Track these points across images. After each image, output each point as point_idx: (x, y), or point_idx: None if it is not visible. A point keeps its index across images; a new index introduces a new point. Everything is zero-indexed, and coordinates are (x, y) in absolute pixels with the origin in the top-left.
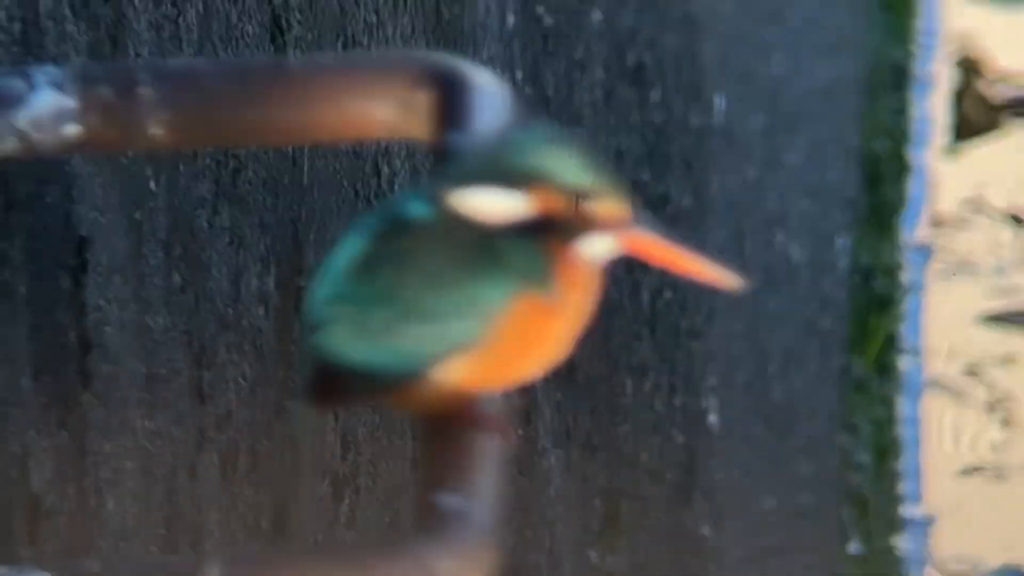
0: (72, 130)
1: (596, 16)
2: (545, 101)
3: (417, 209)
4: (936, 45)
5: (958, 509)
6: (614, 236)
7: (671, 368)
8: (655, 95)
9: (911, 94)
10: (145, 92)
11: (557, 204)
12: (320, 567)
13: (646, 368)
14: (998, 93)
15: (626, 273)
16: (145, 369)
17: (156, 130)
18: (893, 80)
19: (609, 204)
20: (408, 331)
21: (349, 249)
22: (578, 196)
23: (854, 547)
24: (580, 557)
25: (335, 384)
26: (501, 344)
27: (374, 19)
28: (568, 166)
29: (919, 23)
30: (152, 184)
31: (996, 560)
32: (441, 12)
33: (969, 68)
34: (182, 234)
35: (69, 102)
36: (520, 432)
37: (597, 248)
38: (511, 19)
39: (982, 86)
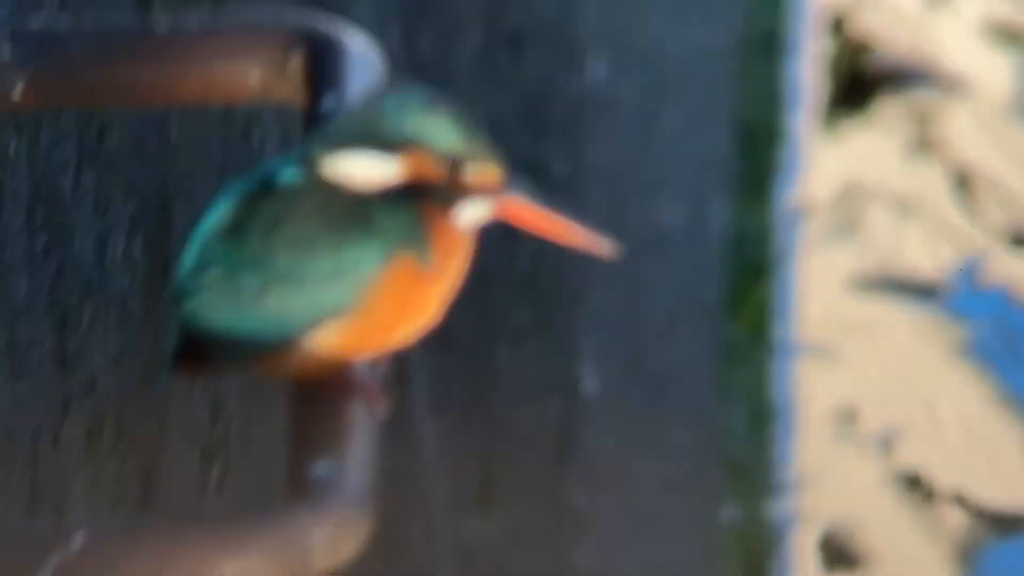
0: None
1: None
2: (420, 64)
3: (288, 174)
4: (809, 10)
5: (830, 473)
6: (488, 202)
7: (547, 334)
8: (531, 59)
9: (784, 60)
10: (3, 52)
11: (430, 169)
12: (188, 537)
13: (522, 334)
14: (873, 63)
15: (503, 239)
16: (7, 336)
17: (16, 91)
18: (766, 45)
19: (483, 169)
20: (279, 297)
21: (217, 214)
22: (451, 161)
23: (729, 513)
24: (455, 525)
25: (204, 351)
26: (374, 309)
27: None
28: (441, 131)
29: None
30: (12, 146)
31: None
32: None
33: (843, 37)
34: (45, 198)
35: None
36: (393, 399)
37: (471, 214)
38: None
39: (857, 55)
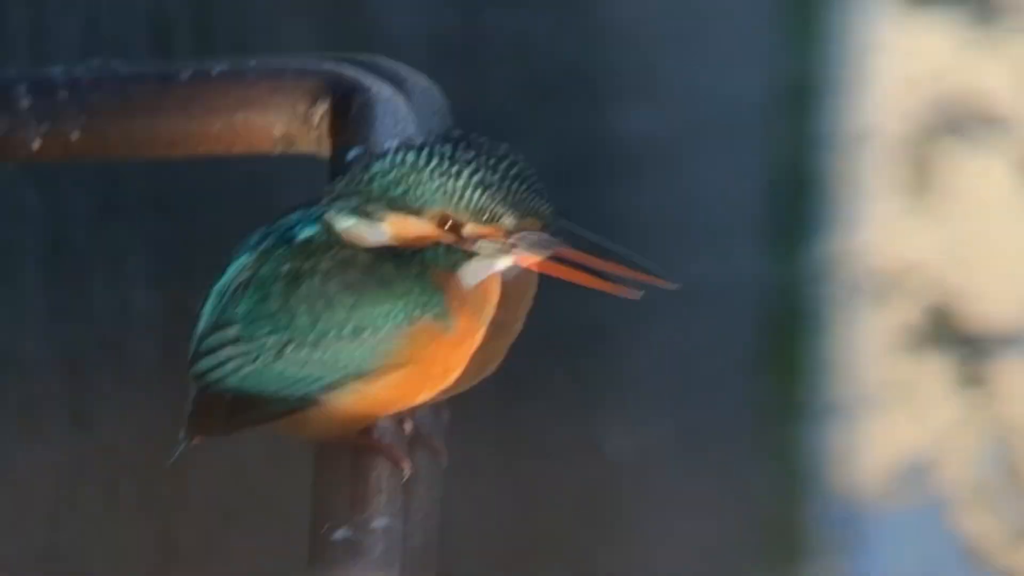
0: None
1: (504, 23)
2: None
3: (306, 230)
4: (847, 56)
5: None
6: (498, 252)
7: (577, 391)
8: (562, 106)
9: (823, 106)
10: (23, 103)
11: (418, 231)
12: None
13: (552, 391)
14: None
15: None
16: (22, 395)
17: (35, 142)
18: (803, 92)
19: (485, 221)
20: (299, 357)
21: (235, 269)
22: (442, 219)
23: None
24: None
25: (223, 411)
26: (396, 373)
27: (269, 24)
28: (430, 190)
29: (829, 33)
30: (30, 198)
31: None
32: (339, 18)
33: None
34: (62, 252)
35: None
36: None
37: (481, 268)
38: (417, 25)
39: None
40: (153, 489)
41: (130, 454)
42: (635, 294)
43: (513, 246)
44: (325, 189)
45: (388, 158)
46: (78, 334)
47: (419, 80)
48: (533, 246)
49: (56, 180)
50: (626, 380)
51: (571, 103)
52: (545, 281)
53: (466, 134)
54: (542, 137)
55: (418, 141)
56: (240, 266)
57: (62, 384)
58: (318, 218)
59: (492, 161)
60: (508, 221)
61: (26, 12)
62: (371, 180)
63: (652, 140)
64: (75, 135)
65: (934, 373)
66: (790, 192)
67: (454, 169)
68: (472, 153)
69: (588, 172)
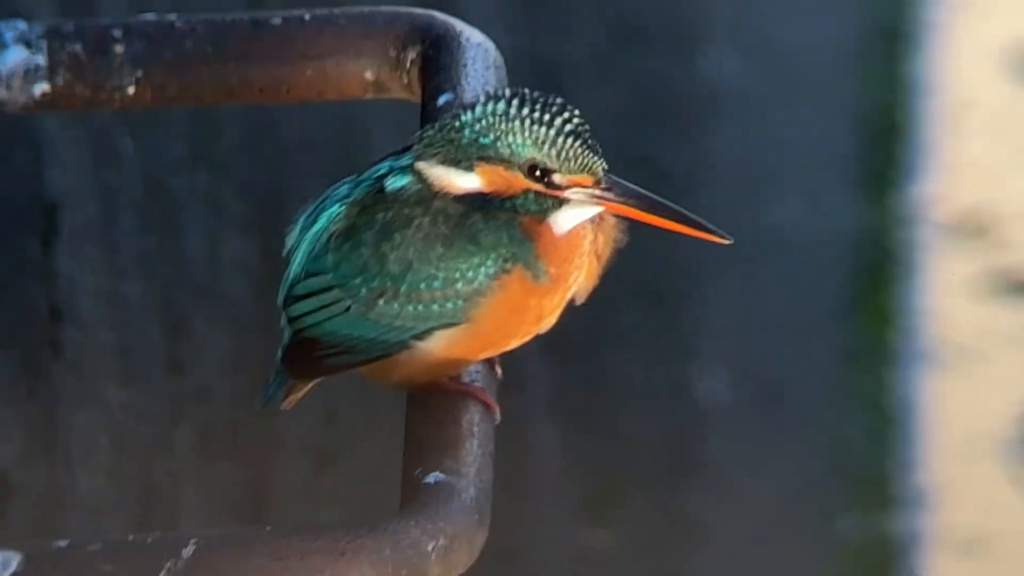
0: (42, 88)
1: None
2: (536, 59)
3: (398, 179)
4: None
5: (962, 487)
6: (587, 202)
7: (662, 338)
8: (648, 52)
9: (911, 51)
10: (117, 49)
11: (508, 180)
12: (300, 547)
13: (637, 339)
14: None
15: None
16: (118, 339)
17: (129, 88)
18: (892, 37)
19: (576, 169)
20: (390, 306)
21: (326, 218)
22: (532, 168)
23: (849, 525)
24: (570, 534)
25: (314, 356)
26: (487, 322)
27: None
28: (519, 141)
29: None
30: (125, 145)
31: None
32: None
33: None
34: (157, 198)
35: (38, 59)
36: (508, 405)
37: (570, 219)
38: None
39: None
40: (246, 434)
41: (224, 399)
42: (727, 240)
43: (604, 193)
44: (414, 137)
45: (477, 107)
46: (172, 280)
47: (474, 35)
48: (623, 194)
49: (150, 126)
50: (715, 326)
51: (659, 48)
52: (634, 231)
53: (520, 89)
54: (629, 82)
55: (505, 91)
56: (332, 215)
57: (157, 329)
58: (409, 167)
59: (574, 112)
60: (598, 169)
61: None
62: (461, 128)
63: (740, 85)
64: (168, 81)
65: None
66: (880, 137)
67: (545, 117)
68: (560, 103)
69: (675, 118)
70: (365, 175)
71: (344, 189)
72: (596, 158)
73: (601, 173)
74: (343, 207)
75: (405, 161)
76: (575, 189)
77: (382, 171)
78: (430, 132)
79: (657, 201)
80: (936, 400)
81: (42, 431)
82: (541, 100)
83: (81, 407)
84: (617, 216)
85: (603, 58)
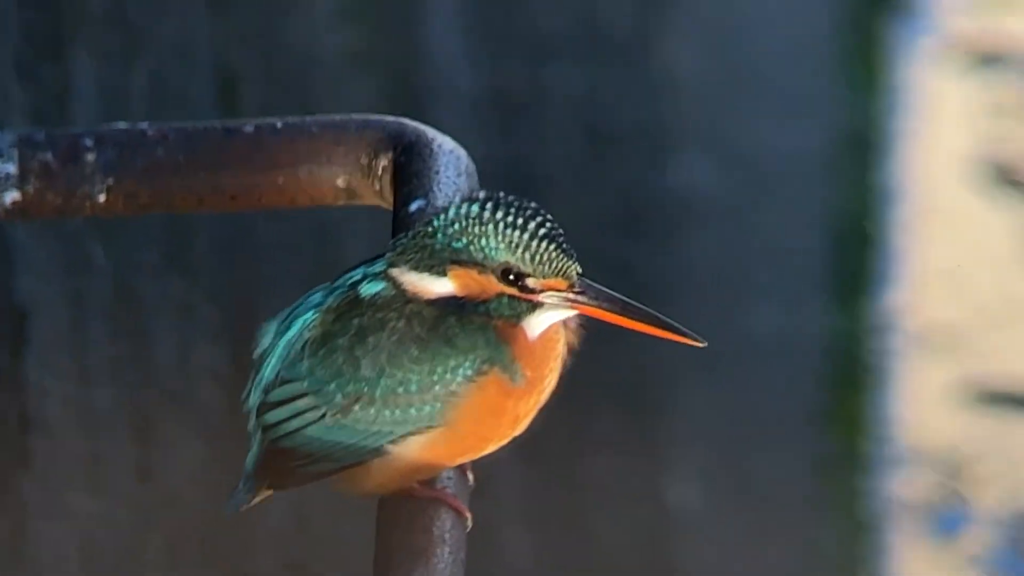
0: (12, 196)
1: (566, 80)
2: (510, 165)
3: (372, 285)
4: (905, 107)
5: None
6: (562, 303)
7: (637, 443)
8: (622, 159)
9: (882, 159)
10: (89, 157)
11: (482, 284)
12: None
13: (612, 443)
14: None
15: (592, 345)
16: (88, 448)
17: (100, 196)
18: (862, 145)
19: (550, 273)
20: (365, 412)
21: (302, 327)
22: (505, 272)
23: None
24: None
25: (287, 464)
26: (463, 426)
27: (333, 80)
28: (493, 244)
29: (887, 84)
30: (96, 252)
31: None
32: (403, 74)
33: None
34: (127, 305)
35: (9, 168)
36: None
37: (543, 321)
38: (480, 81)
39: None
40: (217, 541)
41: (194, 506)
42: (701, 342)
43: (577, 297)
44: (388, 244)
45: (451, 210)
46: (142, 386)
47: (446, 142)
48: (597, 298)
49: (121, 233)
50: (688, 431)
51: (633, 156)
52: (609, 334)
53: (494, 193)
54: (605, 189)
55: (479, 195)
56: (306, 322)
57: (127, 437)
58: (382, 273)
59: (546, 216)
60: (572, 273)
61: (93, 68)
62: (433, 235)
63: (713, 193)
64: (140, 189)
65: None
66: (851, 244)
67: (519, 221)
68: (533, 207)
69: (650, 224)
70: (339, 282)
71: (318, 296)
72: (570, 262)
73: (575, 277)
74: (317, 314)
75: (378, 267)
76: (549, 293)
77: (355, 278)
78: (403, 239)
79: (630, 304)
80: (908, 507)
81: (11, 542)
82: (515, 204)
83: (50, 516)
84: (591, 318)
85: (577, 166)
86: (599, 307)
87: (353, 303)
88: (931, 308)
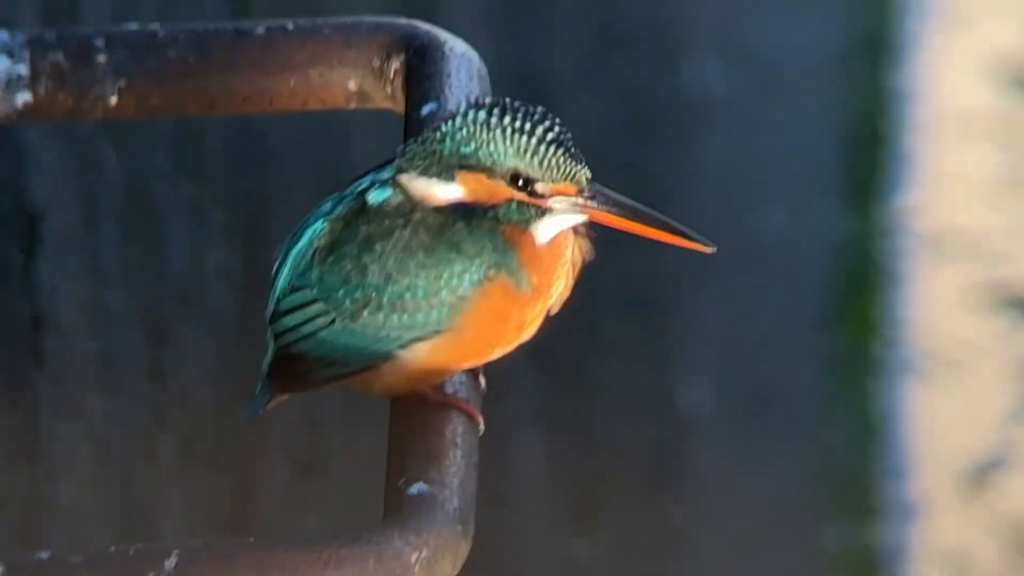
0: (24, 98)
1: None
2: (521, 68)
3: (379, 193)
4: (921, 7)
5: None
6: (572, 208)
7: (647, 348)
8: (633, 61)
9: (895, 60)
10: (100, 59)
11: (491, 190)
12: (283, 558)
13: (622, 348)
14: None
15: (601, 251)
16: (100, 348)
17: (112, 98)
18: (876, 45)
19: (559, 178)
20: (374, 318)
21: (310, 234)
22: (514, 177)
23: (834, 534)
24: (553, 543)
25: (299, 367)
26: (469, 331)
27: None
28: (501, 150)
29: None
30: (108, 154)
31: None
32: None
33: None
34: (139, 207)
35: (20, 69)
36: (487, 416)
37: (552, 227)
38: None
39: None
40: (229, 442)
41: (206, 407)
42: (710, 248)
43: (587, 202)
44: (396, 151)
45: (458, 117)
46: (155, 288)
47: (457, 44)
48: (607, 203)
49: (133, 136)
50: (699, 335)
51: (643, 57)
52: (619, 239)
53: (502, 99)
54: (614, 91)
55: (486, 101)
56: (315, 231)
57: (139, 337)
58: (390, 180)
59: (555, 121)
60: (582, 178)
61: None
62: (441, 140)
63: (724, 95)
64: (151, 91)
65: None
66: (863, 147)
67: (527, 126)
68: (541, 111)
69: (659, 127)
70: (347, 191)
71: (327, 206)
72: (579, 167)
73: (585, 182)
74: (326, 223)
75: (386, 174)
76: (558, 198)
77: (364, 185)
78: (412, 145)
79: (640, 210)
80: (920, 411)
81: (24, 441)
82: (523, 109)
83: (63, 417)
84: (601, 226)
85: (588, 68)
86: (609, 212)
87: (361, 211)
88: (944, 211)
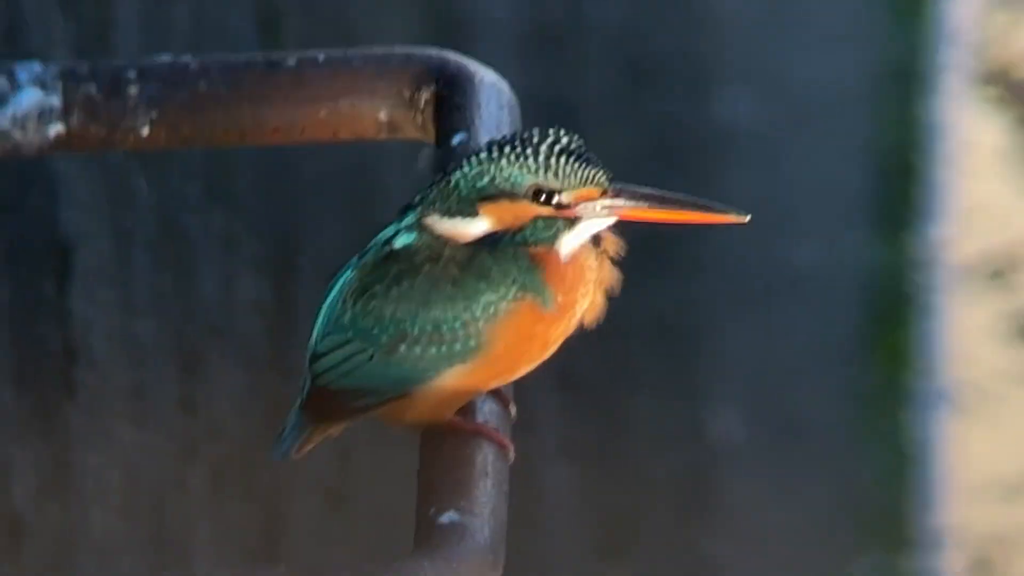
0: (56, 129)
1: (605, 13)
2: (549, 99)
3: (404, 238)
4: (951, 41)
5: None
6: (600, 212)
7: (677, 378)
8: (661, 91)
9: (925, 91)
10: (132, 90)
11: (516, 211)
12: None
13: (651, 378)
14: None
15: (630, 281)
16: (132, 379)
17: (144, 129)
18: (906, 77)
19: (579, 184)
20: (407, 352)
21: (342, 281)
22: (536, 193)
23: (864, 566)
24: (584, 573)
25: (335, 400)
26: (498, 352)
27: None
28: (516, 169)
29: (931, 15)
30: (139, 186)
31: None
32: (444, 5)
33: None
34: (171, 238)
35: (53, 100)
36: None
37: (578, 237)
38: (521, 15)
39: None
40: (259, 473)
41: (237, 438)
42: (744, 218)
43: (614, 202)
44: (412, 200)
45: (464, 164)
46: (187, 319)
47: (487, 75)
48: (634, 198)
49: (165, 167)
50: (730, 365)
51: (673, 89)
52: (650, 268)
53: (501, 136)
54: (644, 124)
55: (486, 141)
56: (346, 280)
57: (171, 369)
58: (415, 225)
59: (563, 132)
60: (602, 179)
61: (135, 2)
62: (456, 185)
63: (754, 126)
64: (182, 122)
65: None
66: (894, 176)
67: (534, 142)
68: (541, 131)
69: (690, 158)
70: (372, 243)
71: (354, 260)
72: (596, 169)
73: (606, 183)
74: (355, 272)
75: (410, 220)
76: (584, 204)
77: (388, 235)
78: (427, 192)
79: (667, 196)
80: (953, 442)
81: (56, 471)
82: (525, 133)
83: (95, 447)
84: (632, 221)
85: (618, 99)
86: (636, 207)
87: (389, 256)
88: (974, 242)
